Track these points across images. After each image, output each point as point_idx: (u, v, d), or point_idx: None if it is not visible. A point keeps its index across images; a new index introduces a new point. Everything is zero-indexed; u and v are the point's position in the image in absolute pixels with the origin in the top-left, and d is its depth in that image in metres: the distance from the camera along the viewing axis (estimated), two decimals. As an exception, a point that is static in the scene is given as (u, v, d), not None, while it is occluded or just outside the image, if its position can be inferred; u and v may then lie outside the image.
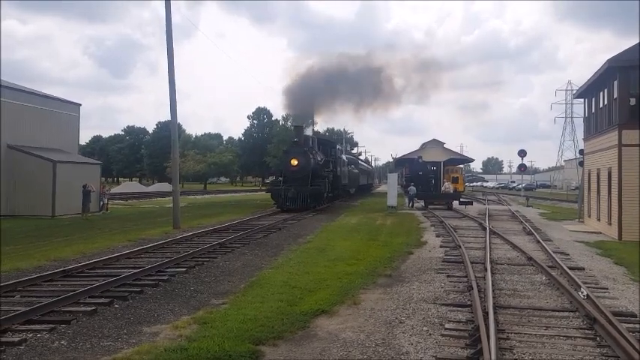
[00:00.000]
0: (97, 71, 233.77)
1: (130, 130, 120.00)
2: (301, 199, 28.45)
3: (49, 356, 6.23)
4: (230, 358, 5.99)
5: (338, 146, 39.59)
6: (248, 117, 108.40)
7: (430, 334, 7.04)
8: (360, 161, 65.01)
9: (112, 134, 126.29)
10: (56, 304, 8.26)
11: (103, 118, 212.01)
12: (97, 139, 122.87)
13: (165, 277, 10.63)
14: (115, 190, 38.95)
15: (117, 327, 7.43)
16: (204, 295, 9.46)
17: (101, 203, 33.51)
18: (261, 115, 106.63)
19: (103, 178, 45.39)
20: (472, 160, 60.44)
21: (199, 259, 12.72)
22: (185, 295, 9.47)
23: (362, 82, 38.58)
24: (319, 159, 32.10)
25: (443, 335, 6.98)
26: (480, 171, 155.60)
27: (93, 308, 8.24)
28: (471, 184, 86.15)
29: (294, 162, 29.36)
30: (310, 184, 29.09)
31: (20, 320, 7.42)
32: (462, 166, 46.43)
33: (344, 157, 43.42)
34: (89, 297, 8.88)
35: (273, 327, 7.13)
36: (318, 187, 29.51)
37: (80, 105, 35.82)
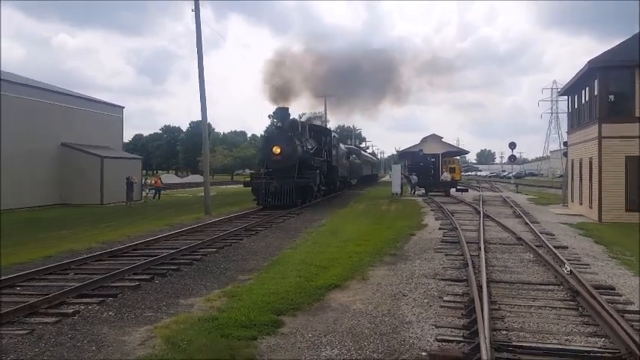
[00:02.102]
0: (138, 78, 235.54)
1: (167, 129, 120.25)
2: (286, 194, 21.18)
3: (98, 325, 6.31)
4: (255, 327, 6.01)
5: (334, 134, 31.15)
6: (269, 116, 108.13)
7: (430, 306, 7.04)
8: (363, 152, 57.13)
9: (152, 133, 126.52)
10: (105, 280, 8.37)
11: (144, 119, 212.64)
12: (138, 137, 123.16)
13: (199, 257, 10.71)
14: (151, 181, 39.07)
15: (157, 300, 7.53)
16: (232, 271, 9.53)
17: (154, 193, 34.06)
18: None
19: (145, 171, 45.72)
20: (467, 152, 59.74)
21: (228, 241, 12.80)
22: (216, 272, 9.53)
23: (374, 79, 33.25)
24: (309, 147, 24.41)
25: (441, 306, 6.98)
26: (475, 161, 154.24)
27: (137, 283, 8.34)
28: (467, 174, 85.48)
29: (277, 150, 21.73)
30: (297, 176, 21.75)
31: (73, 294, 7.52)
32: (458, 157, 46.08)
33: (342, 146, 36.20)
34: (133, 274, 8.98)
35: (292, 299, 7.16)
36: (305, 180, 22.06)
37: (123, 108, 36.12)
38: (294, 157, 22.01)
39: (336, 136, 33.32)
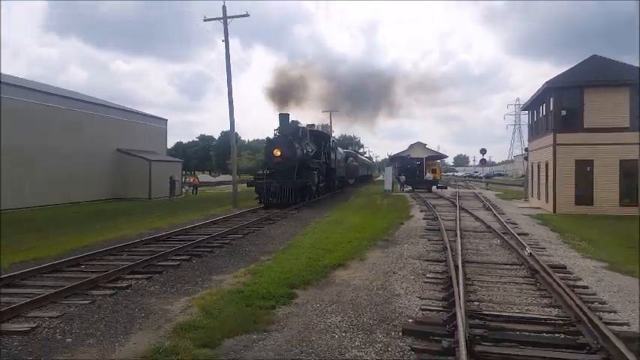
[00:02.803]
0: (179, 96, 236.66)
1: (202, 138, 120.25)
2: (286, 193, 19.06)
3: (147, 296, 6.34)
4: (273, 298, 6.03)
5: (332, 139, 28.73)
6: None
7: (416, 281, 7.02)
8: (359, 155, 54.99)
9: (190, 140, 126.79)
10: (152, 260, 8.40)
11: (183, 129, 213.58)
12: (179, 144, 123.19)
13: (228, 241, 10.72)
14: (191, 180, 39.10)
15: (194, 276, 7.55)
16: (254, 253, 9.53)
17: (192, 189, 34.19)
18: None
19: (184, 171, 45.85)
20: (446, 157, 59.60)
21: (251, 228, 12.82)
22: (241, 253, 9.54)
23: (372, 96, 32.93)
24: (309, 150, 22.06)
25: (425, 282, 6.96)
26: (452, 164, 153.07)
27: (178, 263, 8.36)
28: (446, 174, 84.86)
29: (277, 152, 19.74)
30: (296, 177, 19.62)
31: (127, 271, 7.55)
32: (439, 160, 45.81)
33: (340, 150, 33.71)
34: (175, 255, 9.00)
35: (303, 276, 7.16)
36: (304, 180, 19.86)
37: (167, 120, 36.20)
38: (293, 159, 19.83)
39: (335, 140, 31.21)
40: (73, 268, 8.03)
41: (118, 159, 28.78)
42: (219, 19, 21.44)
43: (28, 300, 5.83)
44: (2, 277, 7.14)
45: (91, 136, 26.30)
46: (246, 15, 21.53)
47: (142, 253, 9.24)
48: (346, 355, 4.37)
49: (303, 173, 20.14)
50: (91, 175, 26.14)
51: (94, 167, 26.47)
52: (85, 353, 4.44)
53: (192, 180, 38.06)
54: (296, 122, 21.72)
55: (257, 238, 11.53)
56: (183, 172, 41.74)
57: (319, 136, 25.85)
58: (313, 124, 26.95)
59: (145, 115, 34.23)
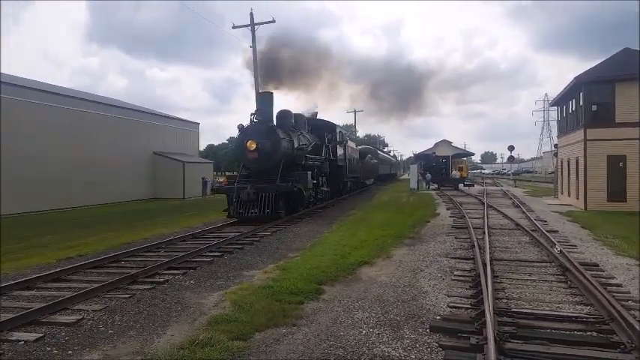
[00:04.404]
0: (210, 101, 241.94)
1: (232, 140, 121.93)
2: (264, 202, 13.32)
3: (182, 291, 6.48)
4: (302, 294, 6.05)
5: (340, 130, 21.26)
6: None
7: (443, 279, 6.91)
8: (380, 152, 47.38)
9: (220, 143, 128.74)
10: (187, 256, 8.58)
11: (214, 132, 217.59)
12: (210, 147, 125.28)
13: (257, 239, 10.84)
14: (221, 180, 39.66)
15: (226, 271, 7.66)
16: (283, 250, 9.58)
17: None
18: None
19: (215, 172, 46.57)
20: (473, 154, 58.41)
21: (280, 227, 12.89)
22: (270, 250, 9.61)
23: (400, 95, 30.21)
24: (303, 143, 16.29)
25: (452, 279, 6.84)
26: (479, 161, 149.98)
27: (211, 259, 8.51)
28: (473, 172, 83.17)
29: (252, 145, 13.96)
30: (280, 179, 13.89)
31: (164, 267, 7.74)
32: (465, 158, 45.00)
33: (353, 144, 26.99)
34: (208, 251, 9.17)
35: (330, 272, 7.16)
36: (290, 184, 13.91)
37: (199, 124, 36.98)
38: (275, 154, 14.13)
39: (344, 132, 22.79)
40: (114, 264, 8.30)
41: (154, 161, 29.59)
42: (246, 25, 21.70)
43: (74, 294, 6.06)
44: (51, 271, 7.46)
45: (130, 141, 27.24)
46: (272, 21, 21.70)
47: (178, 250, 9.46)
48: (374, 350, 4.35)
49: (292, 174, 14.53)
50: (130, 176, 27.03)
51: (133, 169, 27.34)
52: (125, 344, 4.58)
53: (222, 181, 38.58)
54: (270, 100, 15.43)
55: (285, 235, 11.59)
56: (215, 173, 42.41)
57: (321, 126, 19.67)
58: (316, 112, 21.18)
59: (179, 119, 35.03)
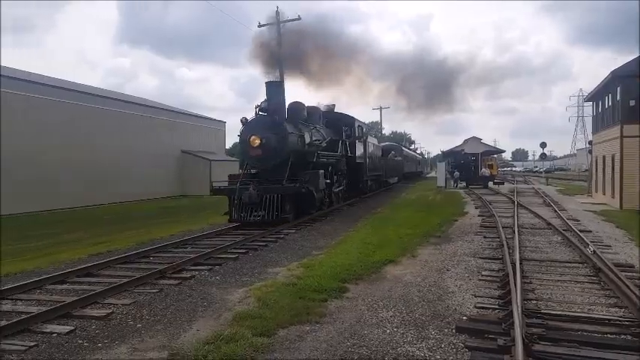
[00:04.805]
0: (237, 100, 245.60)
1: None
2: (269, 205, 11.87)
3: (208, 286, 6.61)
4: (325, 291, 6.06)
5: (359, 124, 19.40)
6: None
7: (470, 279, 6.80)
8: (405, 149, 45.13)
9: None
10: (213, 253, 8.73)
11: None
12: (236, 145, 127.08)
13: (282, 236, 10.90)
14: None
15: (251, 268, 7.75)
16: (307, 248, 9.60)
17: None
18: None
19: (240, 170, 47.04)
20: (503, 151, 56.73)
21: (304, 225, 12.88)
22: (295, 248, 9.65)
23: (428, 91, 30.78)
24: (317, 138, 14.88)
25: (480, 280, 6.73)
26: (510, 159, 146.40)
27: (236, 255, 8.63)
28: (503, 169, 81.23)
29: (256, 141, 12.53)
30: (288, 179, 12.52)
31: (190, 263, 7.89)
32: (495, 155, 43.95)
33: (374, 140, 25.52)
34: (233, 248, 9.29)
35: (354, 271, 7.14)
36: (298, 185, 12.44)
37: (225, 122, 37.53)
38: (282, 151, 12.67)
39: (363, 126, 20.72)
40: (143, 260, 8.52)
41: (182, 159, 30.28)
42: (272, 24, 21.80)
43: (104, 288, 6.27)
44: (81, 267, 7.73)
45: (159, 139, 28.04)
46: (298, 19, 21.72)
47: (204, 246, 9.63)
48: (398, 349, 4.33)
49: (302, 173, 13.00)
50: (159, 174, 27.79)
51: (161, 167, 28.10)
52: (153, 338, 4.71)
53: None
54: (278, 90, 13.76)
55: (309, 233, 11.63)
56: (240, 171, 42.89)
57: (337, 120, 17.93)
58: (333, 105, 19.03)
59: (206, 118, 35.67)
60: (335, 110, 18.80)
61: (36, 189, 19.21)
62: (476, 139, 44.14)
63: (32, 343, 4.54)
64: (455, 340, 4.49)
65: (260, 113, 13.19)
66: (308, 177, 13.00)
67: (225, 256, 8.62)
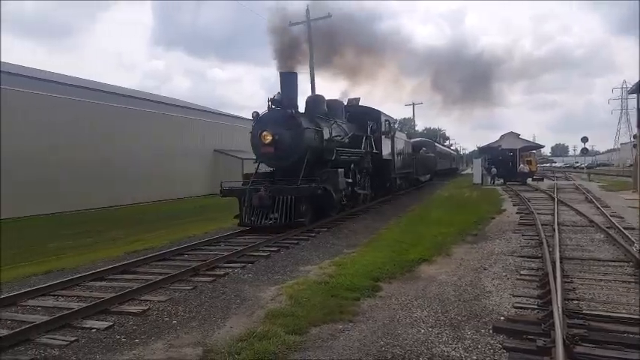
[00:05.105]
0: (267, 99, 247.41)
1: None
2: (282, 208, 10.88)
3: (241, 283, 6.70)
4: (358, 290, 6.03)
5: (386, 118, 18.19)
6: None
7: (508, 278, 6.61)
8: (438, 145, 42.50)
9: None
10: (245, 250, 8.84)
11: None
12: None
13: (314, 234, 10.90)
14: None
15: (283, 266, 7.81)
16: (339, 246, 9.57)
17: None
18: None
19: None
20: (542, 147, 54.85)
21: (336, 223, 12.79)
22: (326, 246, 9.64)
23: (464, 85, 28.55)
24: (336, 134, 13.61)
25: (518, 279, 6.53)
26: (549, 154, 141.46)
27: (268, 253, 8.71)
28: (542, 165, 78.56)
29: (267, 137, 11.53)
30: (303, 178, 11.40)
31: (224, 261, 8.03)
32: (534, 151, 42.61)
33: (403, 135, 24.29)
34: (265, 246, 9.37)
35: (387, 270, 7.07)
36: (315, 185, 11.24)
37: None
38: (297, 148, 11.67)
39: (391, 121, 19.50)
40: (178, 257, 8.74)
41: (215, 158, 30.94)
42: (302, 22, 21.86)
43: (141, 285, 6.47)
44: (119, 264, 8.00)
45: (193, 139, 28.87)
46: (329, 16, 21.69)
47: (237, 244, 9.77)
48: (433, 350, 4.27)
49: (319, 172, 11.89)
50: (193, 173, 28.55)
51: (196, 166, 28.87)
52: (188, 334, 4.82)
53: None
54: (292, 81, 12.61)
55: (340, 231, 11.59)
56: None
57: (362, 114, 16.64)
58: (358, 98, 17.94)
59: (238, 117, 36.26)
60: (360, 104, 17.78)
61: (73, 189, 20.09)
62: (513, 135, 42.91)
63: (73, 338, 4.73)
64: (492, 341, 4.38)
65: (273, 107, 12.08)
66: (326, 176, 11.99)
67: (258, 253, 8.72)
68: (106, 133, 22.22)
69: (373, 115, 17.40)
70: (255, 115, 12.15)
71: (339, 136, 13.93)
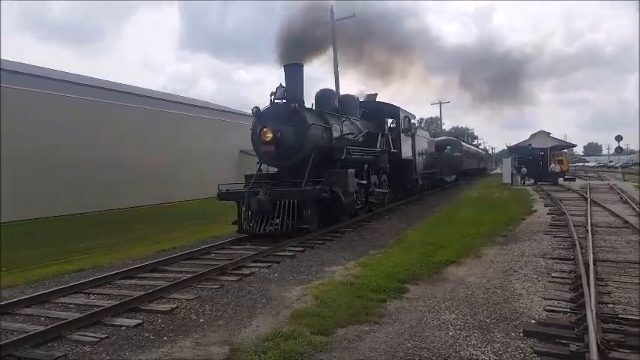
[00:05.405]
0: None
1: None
2: (286, 213, 9.79)
3: (267, 283, 6.76)
4: (384, 291, 6.00)
5: (405, 114, 16.99)
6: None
7: (539, 281, 6.46)
8: (464, 144, 40.26)
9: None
10: (271, 250, 8.90)
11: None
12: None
13: (339, 235, 10.88)
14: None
15: (308, 266, 7.83)
16: (364, 247, 9.54)
17: None
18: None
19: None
20: (574, 145, 53.32)
21: (361, 224, 12.73)
22: (352, 246, 9.63)
23: (491, 84, 27.68)
24: (347, 131, 12.70)
25: (550, 282, 6.36)
26: (582, 153, 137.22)
27: (293, 253, 8.73)
28: (574, 165, 76.25)
29: (267, 135, 10.55)
30: (310, 180, 10.44)
31: (250, 260, 8.11)
32: (565, 150, 41.48)
33: (425, 133, 23.31)
34: (291, 246, 9.40)
35: (414, 271, 6.99)
36: (315, 189, 9.98)
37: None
38: (302, 146, 10.65)
39: (411, 117, 18.19)
40: (205, 256, 8.88)
41: (241, 159, 31.38)
42: (327, 22, 21.87)
43: (169, 283, 6.60)
44: (149, 262, 8.19)
45: (219, 140, 29.44)
46: (353, 16, 21.64)
47: (263, 244, 9.81)
48: (461, 352, 4.21)
49: (326, 173, 10.88)
50: (220, 173, 28.96)
51: (223, 166, 29.39)
52: (215, 333, 4.90)
53: None
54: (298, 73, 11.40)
55: (366, 232, 11.53)
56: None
57: (378, 111, 15.75)
58: (375, 94, 17.15)
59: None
60: (377, 100, 16.87)
61: (109, 189, 20.74)
62: (544, 133, 41.92)
63: (103, 335, 4.87)
64: (522, 345, 4.29)
65: (276, 102, 11.03)
66: (335, 177, 10.83)
67: (283, 253, 8.77)
68: (137, 134, 22.88)
69: (391, 111, 16.44)
70: (256, 110, 11.12)
71: (351, 133, 12.95)
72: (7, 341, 4.62)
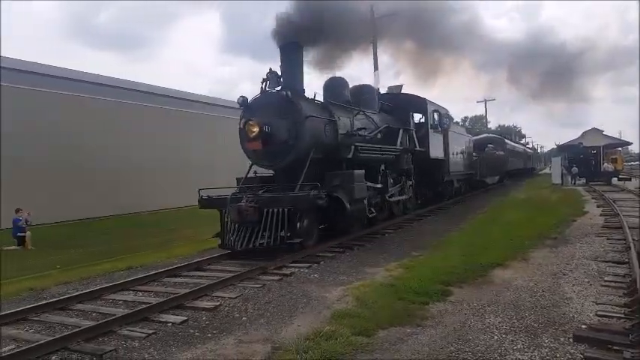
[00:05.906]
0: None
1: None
2: (271, 225, 8.00)
3: (307, 284, 6.83)
4: (426, 294, 5.93)
5: (434, 109, 15.15)
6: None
7: (591, 285, 6.21)
8: (509, 142, 36.69)
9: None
10: (311, 250, 8.98)
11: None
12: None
13: (378, 237, 10.85)
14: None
15: (348, 267, 7.85)
16: (406, 248, 9.45)
17: None
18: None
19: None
20: (630, 144, 50.23)
21: (402, 225, 12.66)
22: (393, 248, 9.56)
23: (540, 80, 26.63)
24: (359, 126, 10.78)
25: (602, 285, 6.10)
26: (639, 152, 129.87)
27: (333, 254, 8.79)
28: (630, 164, 72.22)
29: (253, 129, 8.63)
30: (308, 184, 8.53)
31: (290, 261, 8.21)
32: (620, 148, 39.38)
33: (460, 129, 21.36)
34: (330, 247, 9.43)
35: (458, 274, 6.86)
36: (309, 195, 8.11)
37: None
38: (298, 143, 8.96)
39: (442, 111, 16.03)
40: (247, 255, 9.04)
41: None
42: (368, 20, 21.81)
43: (213, 282, 6.81)
44: (192, 261, 8.46)
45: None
46: (394, 14, 21.46)
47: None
48: (507, 357, 4.12)
49: (328, 175, 9.39)
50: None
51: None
52: (257, 331, 5.02)
53: None
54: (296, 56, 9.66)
55: (408, 233, 11.44)
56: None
57: (402, 104, 14.00)
58: (400, 85, 15.60)
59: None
60: (403, 92, 15.18)
61: (145, 190, 21.56)
62: (596, 131, 39.94)
63: (151, 331, 5.09)
64: (572, 350, 4.15)
65: (267, 90, 9.30)
66: (338, 180, 9.20)
67: (323, 254, 8.82)
68: (180, 135, 23.77)
69: (417, 104, 14.49)
70: (242, 100, 9.36)
71: (365, 128, 11.06)
72: (60, 335, 4.92)
